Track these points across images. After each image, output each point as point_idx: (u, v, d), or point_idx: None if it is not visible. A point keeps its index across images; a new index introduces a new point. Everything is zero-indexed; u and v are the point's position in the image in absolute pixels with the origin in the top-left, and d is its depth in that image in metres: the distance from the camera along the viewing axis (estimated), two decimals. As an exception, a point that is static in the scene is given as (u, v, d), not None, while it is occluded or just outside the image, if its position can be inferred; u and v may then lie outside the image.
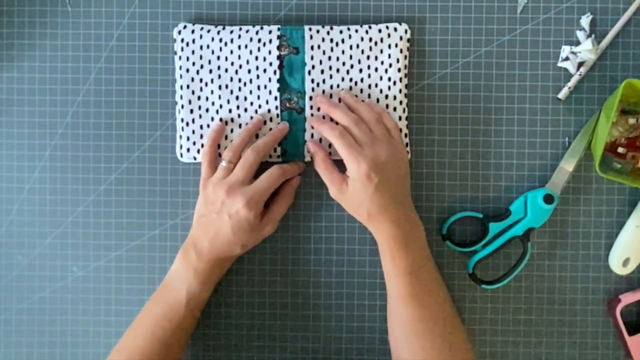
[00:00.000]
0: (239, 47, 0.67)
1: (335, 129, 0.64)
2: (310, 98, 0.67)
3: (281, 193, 0.67)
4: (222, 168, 0.65)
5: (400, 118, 0.68)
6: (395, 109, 0.68)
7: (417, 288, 0.63)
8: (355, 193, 0.63)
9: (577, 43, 0.69)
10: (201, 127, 0.68)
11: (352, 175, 0.62)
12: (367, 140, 0.63)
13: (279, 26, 0.67)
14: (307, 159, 0.68)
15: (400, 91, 0.68)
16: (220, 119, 0.67)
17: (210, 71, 0.67)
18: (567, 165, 0.68)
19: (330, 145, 0.67)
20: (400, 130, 0.68)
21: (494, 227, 0.68)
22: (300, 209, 0.70)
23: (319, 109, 0.67)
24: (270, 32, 0.67)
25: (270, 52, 0.67)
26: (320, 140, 0.67)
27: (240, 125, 0.67)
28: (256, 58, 0.67)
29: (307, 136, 0.67)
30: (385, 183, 0.62)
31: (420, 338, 0.63)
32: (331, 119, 0.67)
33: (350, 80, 0.68)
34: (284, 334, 0.71)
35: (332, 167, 0.65)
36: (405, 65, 0.68)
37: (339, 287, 0.70)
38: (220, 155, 0.67)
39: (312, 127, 0.67)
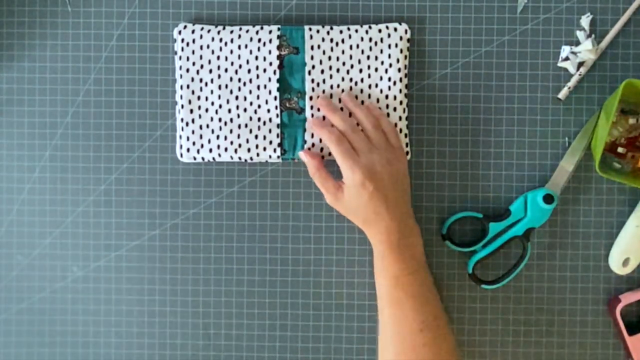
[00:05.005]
0: (239, 47, 0.67)
1: (332, 134, 0.64)
2: (311, 98, 0.67)
3: None
4: None
5: (400, 118, 0.68)
6: (395, 109, 0.68)
7: (399, 293, 0.63)
8: (350, 200, 0.63)
9: (577, 43, 0.69)
10: (201, 127, 0.68)
11: (347, 183, 0.63)
12: (364, 148, 0.63)
13: (279, 26, 0.67)
14: (307, 159, 0.68)
15: (400, 91, 0.68)
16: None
17: (210, 71, 0.67)
18: (567, 165, 0.68)
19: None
20: (400, 130, 0.68)
21: (494, 227, 0.68)
22: (300, 208, 0.70)
23: (319, 109, 0.67)
24: (270, 32, 0.67)
25: (270, 52, 0.67)
26: (321, 140, 0.67)
27: (239, 126, 0.67)
28: (256, 58, 0.67)
29: (307, 136, 0.67)
30: (380, 190, 0.62)
31: (396, 342, 0.63)
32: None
33: (350, 80, 0.68)
34: (284, 334, 0.71)
35: (327, 175, 0.65)
36: (405, 65, 0.68)
37: (339, 287, 0.70)
38: None
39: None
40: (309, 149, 0.67)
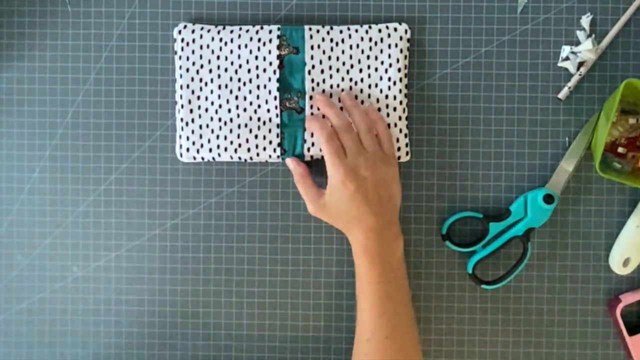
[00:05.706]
0: (239, 46, 0.67)
1: (324, 130, 0.64)
2: (311, 98, 0.67)
3: None
4: None
5: (400, 118, 0.68)
6: (395, 109, 0.68)
7: (361, 299, 0.63)
8: (332, 201, 0.63)
9: (577, 43, 0.69)
10: (200, 126, 0.68)
11: (331, 182, 0.63)
12: (353, 148, 0.63)
13: (279, 26, 0.67)
14: (307, 158, 0.68)
15: (400, 91, 0.68)
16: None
17: (210, 71, 0.67)
18: (567, 165, 0.68)
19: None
20: (400, 130, 0.68)
21: (494, 227, 0.68)
22: (300, 209, 0.70)
23: (318, 109, 0.67)
24: (270, 31, 0.67)
25: (270, 52, 0.67)
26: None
27: (239, 126, 0.67)
28: (256, 58, 0.67)
29: (307, 135, 0.67)
30: (362, 192, 0.62)
31: (357, 343, 0.64)
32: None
33: (350, 80, 0.68)
34: (284, 334, 0.71)
35: (310, 183, 0.65)
36: (405, 65, 0.68)
37: (339, 287, 0.70)
38: None
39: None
40: (309, 148, 0.67)
